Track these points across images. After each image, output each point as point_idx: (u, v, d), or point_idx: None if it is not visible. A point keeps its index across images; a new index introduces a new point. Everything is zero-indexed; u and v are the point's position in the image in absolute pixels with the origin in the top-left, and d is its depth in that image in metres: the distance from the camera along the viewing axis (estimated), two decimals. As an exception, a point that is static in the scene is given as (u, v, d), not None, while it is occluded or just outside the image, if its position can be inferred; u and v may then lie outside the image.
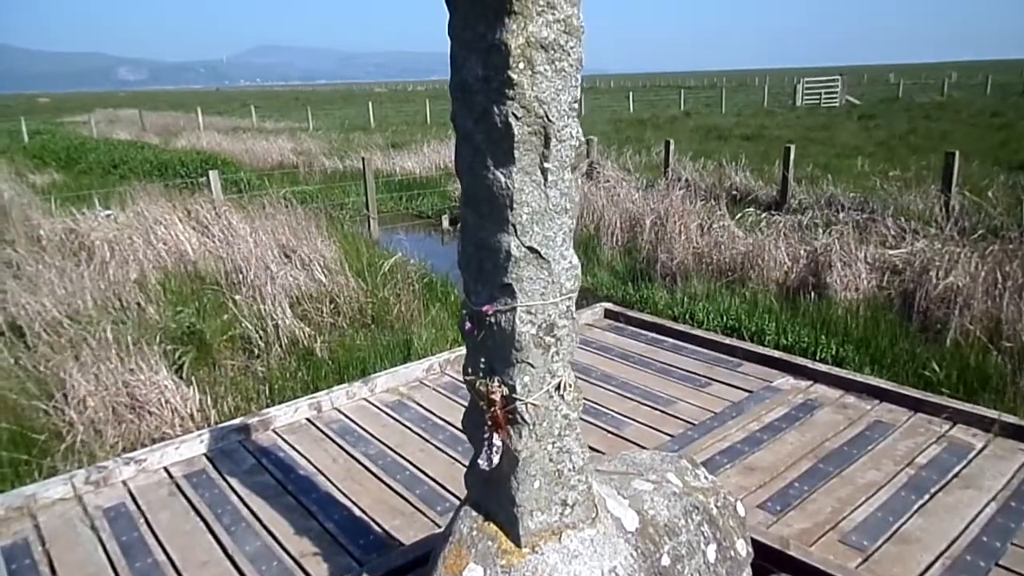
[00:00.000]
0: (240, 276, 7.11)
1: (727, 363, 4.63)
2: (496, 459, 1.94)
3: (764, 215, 8.42)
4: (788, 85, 41.98)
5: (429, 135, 21.97)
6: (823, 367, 4.43)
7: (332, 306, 6.49)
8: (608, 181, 11.33)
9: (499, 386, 1.92)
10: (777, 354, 4.65)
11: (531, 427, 1.95)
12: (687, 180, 11.17)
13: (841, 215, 8.70)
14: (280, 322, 5.87)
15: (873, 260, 6.90)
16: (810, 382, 4.28)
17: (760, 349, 4.76)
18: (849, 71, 46.34)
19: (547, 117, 1.73)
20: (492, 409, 1.91)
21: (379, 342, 5.89)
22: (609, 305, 5.71)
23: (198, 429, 4.46)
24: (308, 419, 4.07)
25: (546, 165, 1.78)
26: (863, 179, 11.18)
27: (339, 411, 4.17)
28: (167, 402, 4.52)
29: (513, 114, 1.70)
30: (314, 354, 5.73)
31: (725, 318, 6.28)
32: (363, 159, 10.93)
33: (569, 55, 1.73)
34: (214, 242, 8.48)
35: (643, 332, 5.27)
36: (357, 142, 22.02)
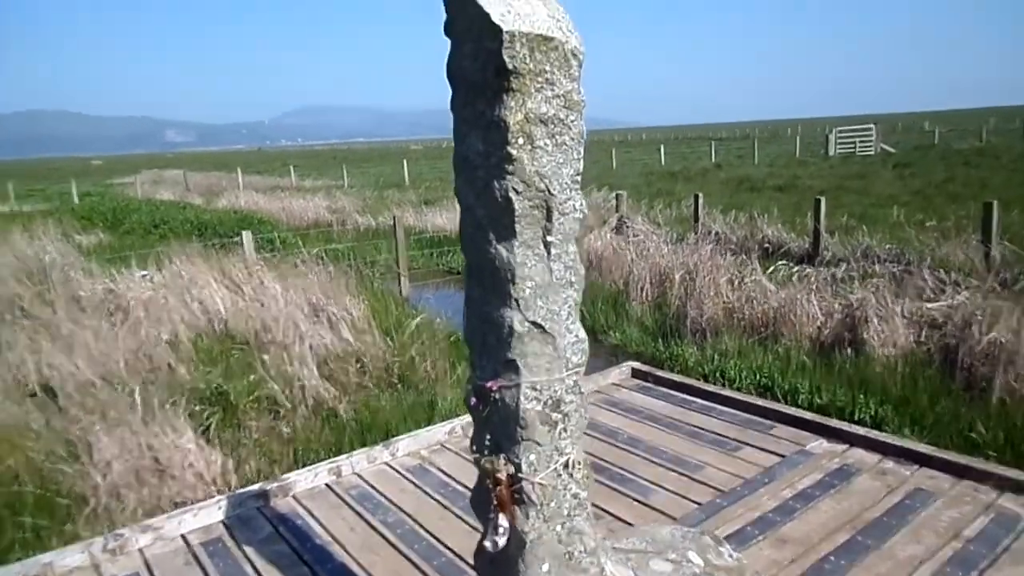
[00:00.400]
0: (269, 335, 7.18)
1: (759, 425, 4.47)
2: (502, 541, 1.86)
3: (796, 268, 8.28)
4: (821, 135, 41.89)
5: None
6: (860, 430, 4.25)
7: (359, 365, 6.50)
8: (638, 235, 11.30)
9: (505, 464, 1.86)
10: (810, 416, 4.48)
11: (538, 507, 1.87)
12: (717, 233, 11.09)
13: (877, 267, 8.51)
14: (306, 383, 5.88)
15: (911, 314, 6.69)
16: (846, 446, 4.11)
17: (793, 411, 4.60)
18: (883, 119, 46.14)
19: (548, 191, 1.71)
20: (497, 488, 1.85)
21: (404, 403, 5.86)
22: (636, 364, 5.60)
23: (219, 493, 4.44)
24: (328, 484, 4.02)
25: (549, 239, 1.76)
26: (899, 229, 10.96)
27: (359, 476, 4.11)
28: (190, 466, 4.52)
29: (513, 189, 1.69)
30: (338, 415, 5.70)
31: (758, 376, 6.12)
32: (394, 217, 11.11)
33: (570, 129, 1.72)
34: (245, 301, 8.60)
35: (672, 392, 5.15)
36: (390, 199, 22.42)
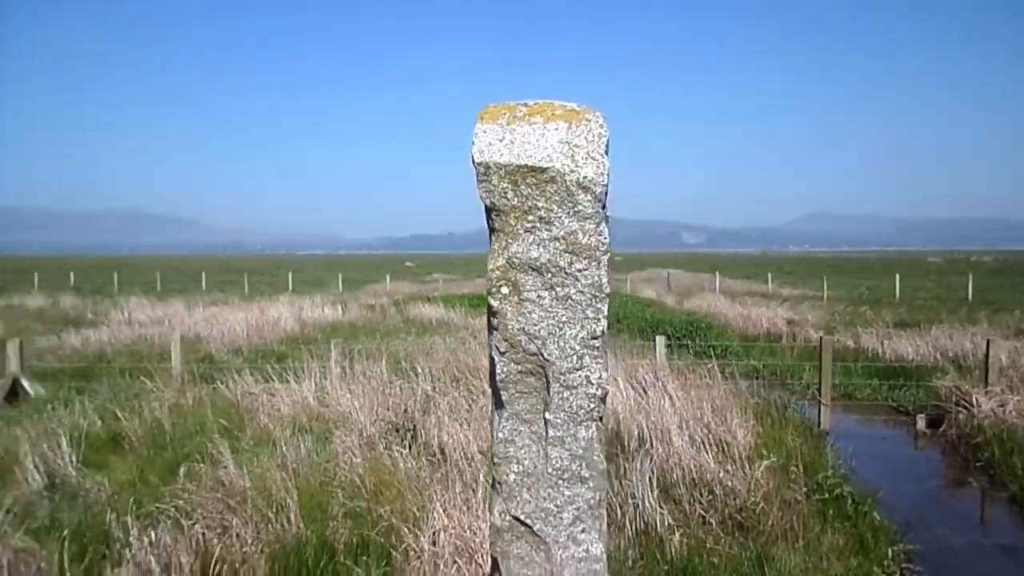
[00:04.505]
0: (644, 445, 7.09)
1: None
2: None
3: None
4: None
5: (955, 315, 18.81)
6: None
7: (709, 497, 5.92)
8: None
9: None
10: None
11: None
12: None
13: None
14: (640, 502, 5.60)
15: None
16: None
17: None
18: None
19: (542, 355, 1.35)
20: None
21: (729, 553, 5.08)
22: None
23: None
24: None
25: (548, 416, 1.37)
26: None
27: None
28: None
29: (496, 347, 1.38)
30: (664, 547, 5.25)
31: None
32: (820, 338, 9.95)
33: (577, 280, 1.34)
34: (647, 404, 8.69)
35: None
36: (865, 316, 20.19)
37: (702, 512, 5.81)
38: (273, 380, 9.79)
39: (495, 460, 1.43)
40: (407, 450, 6.72)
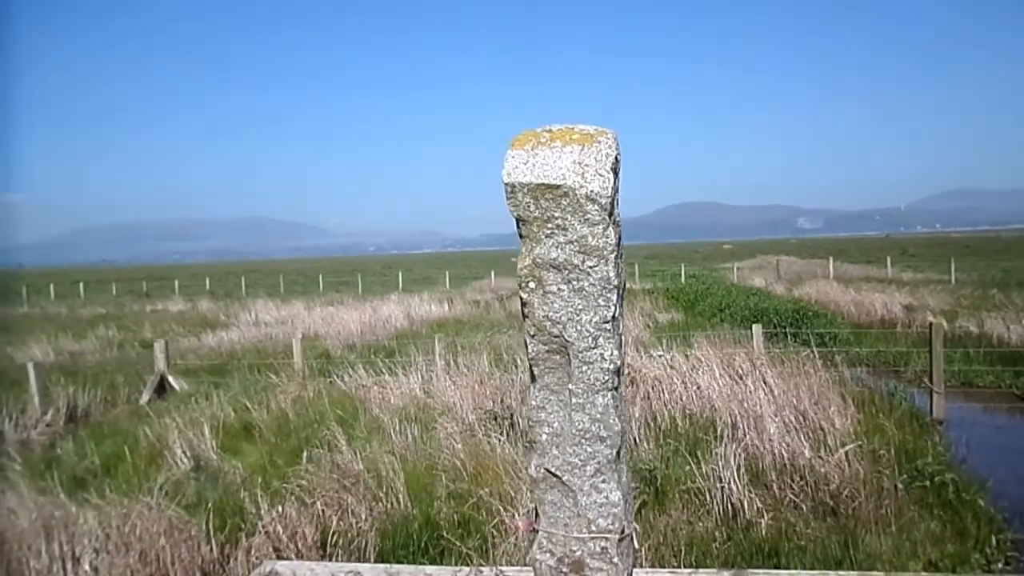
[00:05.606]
0: (737, 431, 7.17)
1: None
2: None
3: None
4: None
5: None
6: None
7: (801, 483, 5.96)
8: None
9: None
10: None
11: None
12: None
13: None
14: (727, 485, 5.73)
15: None
16: None
17: None
18: None
19: (563, 337, 1.66)
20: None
21: (817, 537, 5.13)
22: None
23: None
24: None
25: (570, 386, 1.68)
26: None
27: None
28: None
29: (527, 331, 1.70)
30: (752, 530, 5.37)
31: None
32: (930, 324, 9.54)
33: (589, 275, 1.64)
34: (743, 392, 8.72)
35: None
36: (994, 299, 18.88)
37: (793, 497, 5.86)
38: (384, 374, 10.49)
39: (530, 423, 1.74)
40: (504, 436, 7.12)
